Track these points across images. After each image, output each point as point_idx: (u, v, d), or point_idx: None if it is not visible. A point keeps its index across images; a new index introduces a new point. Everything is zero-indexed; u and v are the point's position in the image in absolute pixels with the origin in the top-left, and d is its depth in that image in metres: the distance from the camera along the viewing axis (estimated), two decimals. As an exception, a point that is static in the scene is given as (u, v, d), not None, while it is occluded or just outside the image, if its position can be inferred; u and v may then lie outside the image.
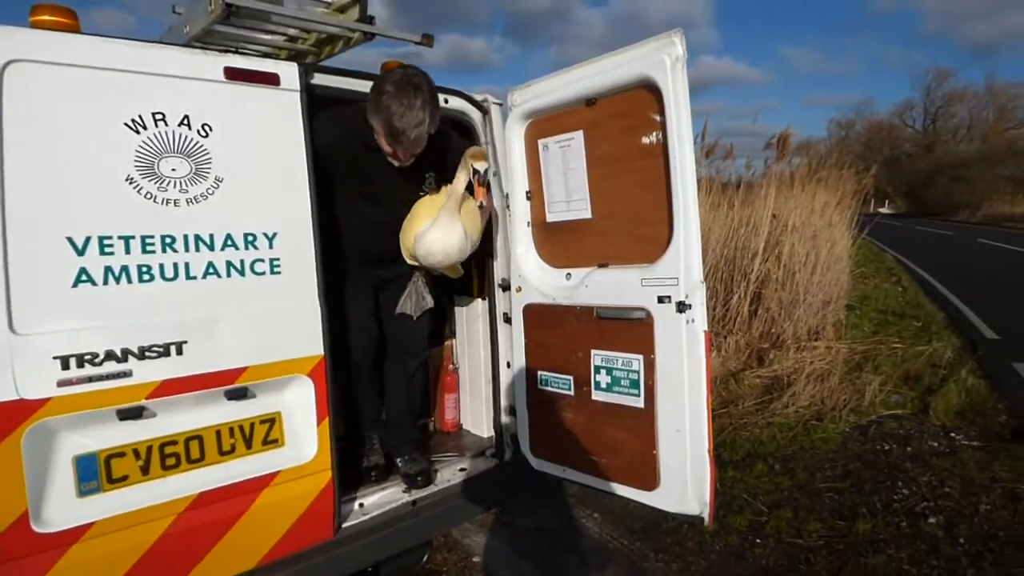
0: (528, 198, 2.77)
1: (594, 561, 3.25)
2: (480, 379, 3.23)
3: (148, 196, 1.86)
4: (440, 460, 2.97)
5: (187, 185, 1.94)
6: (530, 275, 2.76)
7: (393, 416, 2.95)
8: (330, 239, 2.42)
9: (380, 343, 2.90)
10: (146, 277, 1.87)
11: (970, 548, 3.19)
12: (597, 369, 2.52)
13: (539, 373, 2.74)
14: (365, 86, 2.37)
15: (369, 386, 2.92)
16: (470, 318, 3.32)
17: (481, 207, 2.45)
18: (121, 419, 1.85)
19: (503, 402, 2.98)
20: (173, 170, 1.91)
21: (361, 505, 2.52)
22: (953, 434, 4.61)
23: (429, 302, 2.88)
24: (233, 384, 2.04)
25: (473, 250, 2.65)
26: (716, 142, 6.84)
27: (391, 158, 2.41)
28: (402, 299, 2.84)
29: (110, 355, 1.79)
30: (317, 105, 2.27)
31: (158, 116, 1.88)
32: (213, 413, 2.05)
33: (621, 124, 2.40)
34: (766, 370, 5.77)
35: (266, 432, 2.16)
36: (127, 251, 1.83)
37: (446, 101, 2.67)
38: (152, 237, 1.87)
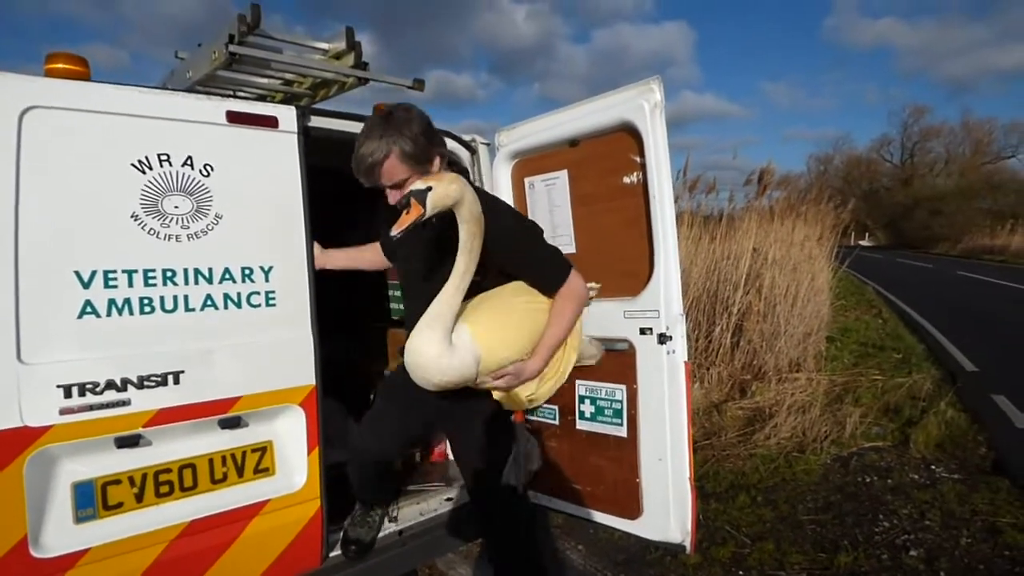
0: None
1: (579, 592, 3.26)
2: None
3: (151, 232, 1.95)
4: (426, 490, 3.00)
5: (188, 221, 2.02)
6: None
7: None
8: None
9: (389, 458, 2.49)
10: (147, 309, 1.94)
11: (950, 581, 3.21)
12: (581, 399, 2.60)
13: (525, 403, 2.80)
14: (359, 128, 2.48)
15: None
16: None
17: (396, 239, 1.72)
18: (118, 447, 1.90)
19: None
20: (176, 207, 2.00)
21: (349, 534, 2.55)
22: (933, 466, 4.65)
23: (536, 463, 2.38)
24: (227, 413, 2.10)
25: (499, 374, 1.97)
26: (699, 176, 6.97)
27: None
28: (506, 468, 2.28)
29: (110, 384, 1.86)
30: (313, 145, 2.36)
31: (163, 157, 1.98)
32: (207, 441, 2.10)
33: (603, 165, 2.53)
34: (748, 401, 5.83)
35: (257, 460, 2.21)
36: (130, 284, 1.91)
37: None
38: (154, 271, 1.95)
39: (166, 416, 1.96)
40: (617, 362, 2.47)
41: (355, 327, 4.17)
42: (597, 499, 2.58)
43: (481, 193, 2.00)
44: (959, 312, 12.18)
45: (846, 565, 3.38)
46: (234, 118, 2.12)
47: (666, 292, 2.32)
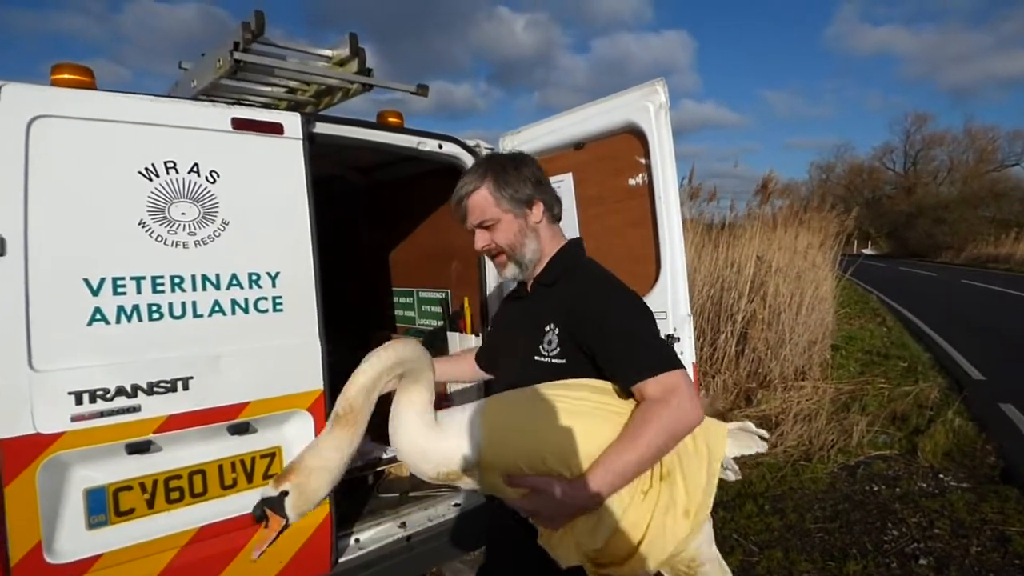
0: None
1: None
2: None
3: (159, 239, 1.96)
4: (434, 495, 2.99)
5: (195, 228, 2.03)
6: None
7: None
8: None
9: None
10: (156, 315, 1.95)
11: (960, 589, 3.19)
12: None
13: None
14: (363, 134, 2.50)
15: None
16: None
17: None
18: (129, 453, 1.91)
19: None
20: (183, 214, 2.01)
21: (357, 540, 2.55)
22: (942, 475, 4.63)
23: None
24: (236, 419, 2.10)
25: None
26: (700, 184, 7.02)
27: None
28: None
29: (120, 390, 1.86)
30: (318, 152, 2.38)
31: (169, 164, 1.99)
32: (216, 447, 2.10)
33: (609, 166, 2.54)
34: (754, 410, 5.82)
35: (267, 466, 2.21)
36: (138, 291, 1.92)
37: (440, 147, 2.81)
38: (162, 277, 1.96)
39: (176, 422, 1.97)
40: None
41: (362, 333, 4.17)
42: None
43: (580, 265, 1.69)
44: (964, 321, 12.14)
45: (855, 573, 3.36)
46: (240, 125, 2.14)
47: (673, 293, 2.32)
